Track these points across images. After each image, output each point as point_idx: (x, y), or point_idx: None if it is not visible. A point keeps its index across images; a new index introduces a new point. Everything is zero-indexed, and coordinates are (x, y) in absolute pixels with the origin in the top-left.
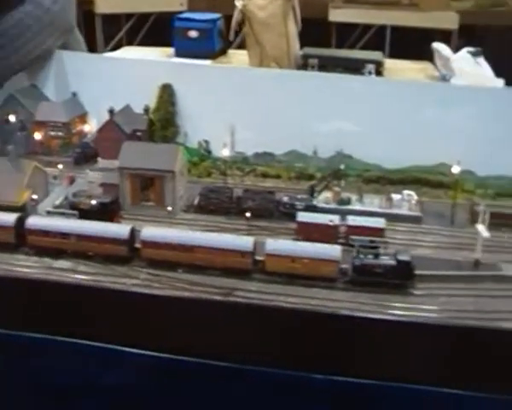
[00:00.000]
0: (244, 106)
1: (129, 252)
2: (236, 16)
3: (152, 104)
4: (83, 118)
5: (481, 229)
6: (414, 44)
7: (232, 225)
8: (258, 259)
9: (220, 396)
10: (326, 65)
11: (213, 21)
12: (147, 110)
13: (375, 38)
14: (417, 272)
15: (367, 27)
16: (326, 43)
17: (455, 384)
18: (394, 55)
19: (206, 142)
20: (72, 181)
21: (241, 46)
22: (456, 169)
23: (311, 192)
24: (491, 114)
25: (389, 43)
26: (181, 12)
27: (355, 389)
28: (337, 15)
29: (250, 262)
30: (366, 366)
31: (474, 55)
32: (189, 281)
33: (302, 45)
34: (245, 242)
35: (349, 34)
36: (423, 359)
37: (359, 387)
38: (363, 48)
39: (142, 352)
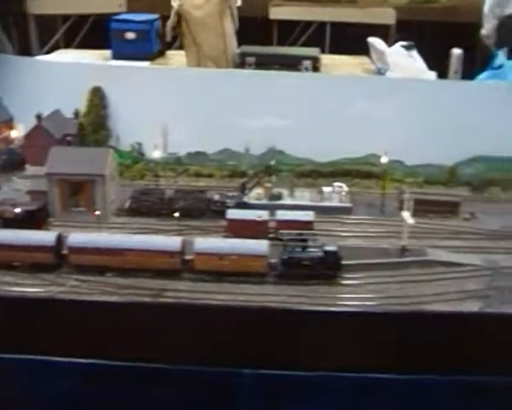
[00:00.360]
0: (177, 106)
1: (56, 259)
2: (172, 17)
3: (82, 108)
4: (8, 124)
5: (406, 216)
6: (354, 40)
7: (164, 226)
8: (188, 258)
9: (154, 398)
10: (263, 63)
11: (150, 22)
12: (77, 114)
13: (316, 34)
14: (345, 262)
15: (308, 24)
16: (268, 41)
17: (386, 369)
18: (335, 50)
19: (139, 144)
20: None
21: (181, 47)
22: (384, 159)
23: (243, 189)
24: (420, 106)
25: (330, 40)
26: (120, 13)
27: (288, 382)
28: (277, 13)
29: (179, 262)
30: (298, 357)
31: (408, 48)
32: (119, 285)
33: (244, 44)
34: (173, 242)
35: (290, 32)
36: (355, 346)
37: (291, 379)
38: (305, 45)
39: (74, 360)
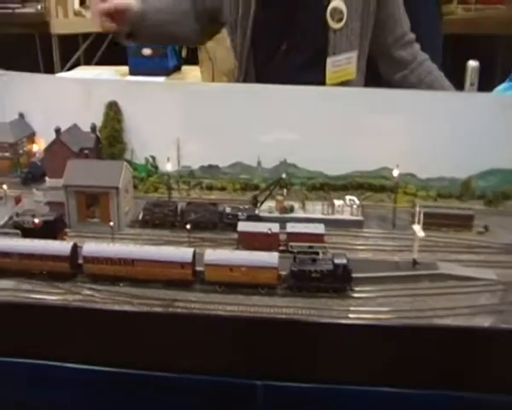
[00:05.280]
0: (191, 120)
1: (71, 268)
2: None
3: (99, 122)
4: (31, 138)
5: (417, 229)
6: None
7: (176, 238)
8: (199, 269)
9: (164, 407)
10: None
11: None
12: (94, 128)
13: None
14: (355, 274)
15: None
16: None
17: (395, 383)
18: None
19: (153, 157)
20: (18, 201)
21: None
22: (395, 172)
23: (254, 202)
24: (433, 118)
25: None
26: None
27: (299, 394)
28: None
29: (190, 273)
30: (309, 369)
31: None
32: (131, 294)
33: None
34: (185, 253)
35: None
36: (365, 359)
37: (303, 391)
38: None
39: (87, 367)
